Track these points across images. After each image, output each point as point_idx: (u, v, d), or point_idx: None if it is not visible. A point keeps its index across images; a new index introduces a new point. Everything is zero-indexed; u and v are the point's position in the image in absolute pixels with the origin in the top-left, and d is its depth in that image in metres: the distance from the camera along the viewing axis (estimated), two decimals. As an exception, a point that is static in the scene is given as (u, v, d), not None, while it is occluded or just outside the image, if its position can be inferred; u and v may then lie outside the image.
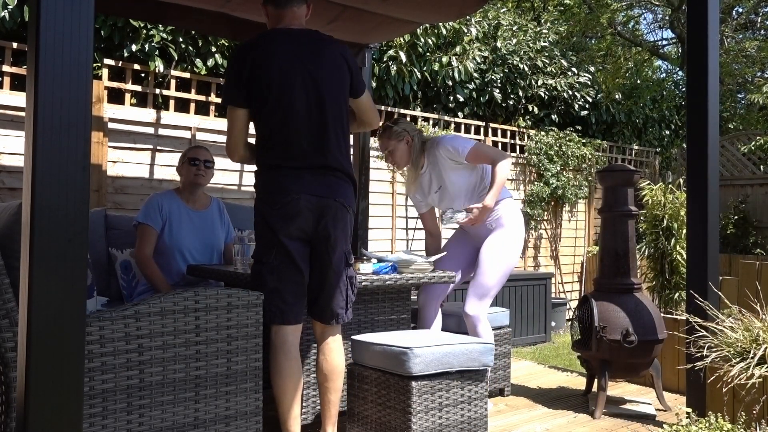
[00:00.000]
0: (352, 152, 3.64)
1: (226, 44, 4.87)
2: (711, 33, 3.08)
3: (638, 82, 9.70)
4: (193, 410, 2.23)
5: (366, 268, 2.97)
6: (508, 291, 5.61)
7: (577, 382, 4.21)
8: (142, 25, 4.43)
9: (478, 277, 3.39)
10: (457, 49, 6.30)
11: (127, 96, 4.44)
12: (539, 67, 7.20)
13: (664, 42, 17.05)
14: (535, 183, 6.90)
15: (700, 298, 2.94)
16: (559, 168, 6.99)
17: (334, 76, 2.60)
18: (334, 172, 2.58)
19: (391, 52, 5.70)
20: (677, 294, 4.68)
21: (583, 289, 7.38)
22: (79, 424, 1.60)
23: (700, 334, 2.62)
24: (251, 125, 2.64)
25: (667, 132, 9.11)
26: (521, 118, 7.05)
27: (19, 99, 3.87)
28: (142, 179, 4.35)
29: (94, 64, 4.22)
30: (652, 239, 4.82)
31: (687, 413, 2.51)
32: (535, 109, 7.15)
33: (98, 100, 4.18)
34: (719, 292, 3.00)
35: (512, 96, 6.97)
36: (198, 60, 4.76)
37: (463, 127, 6.45)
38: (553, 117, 7.42)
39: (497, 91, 6.76)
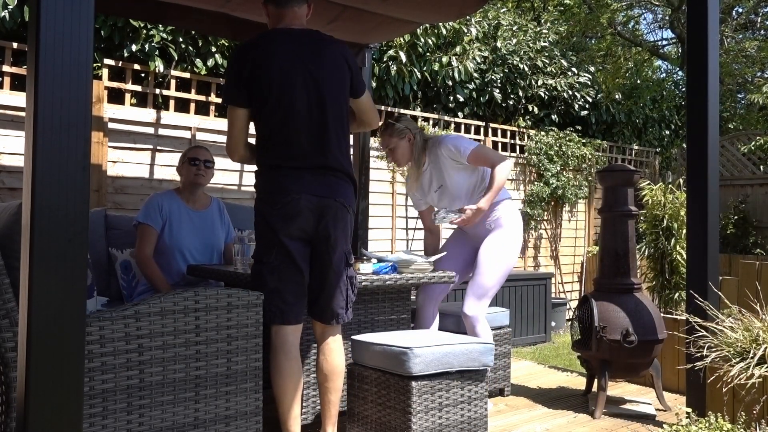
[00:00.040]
0: (352, 152, 3.64)
1: (226, 44, 4.87)
2: (711, 33, 3.08)
3: (638, 82, 9.70)
4: (193, 410, 2.23)
5: (366, 268, 2.97)
6: (508, 291, 5.61)
7: (577, 382, 4.21)
8: (142, 25, 4.43)
9: (476, 278, 3.39)
10: (457, 49, 6.30)
11: (127, 96, 4.44)
12: (539, 67, 7.20)
13: (664, 42, 17.07)
14: (535, 183, 6.90)
15: (700, 298, 2.94)
16: (559, 168, 6.99)
17: (334, 76, 2.60)
18: (334, 172, 2.58)
19: (391, 52, 5.70)
20: (677, 294, 4.68)
21: (583, 289, 7.38)
22: (79, 424, 1.60)
23: (700, 334, 2.62)
24: (251, 125, 2.64)
25: (667, 132, 9.11)
26: (521, 118, 7.05)
27: (19, 99, 3.87)
28: (142, 179, 4.35)
29: (94, 64, 4.22)
30: (652, 239, 4.82)
31: (687, 413, 2.51)
32: (535, 109, 7.15)
33: (98, 100, 4.18)
34: (719, 292, 3.00)
35: (512, 96, 6.97)
36: (198, 60, 4.76)
37: (463, 127, 6.45)
38: (553, 117, 7.42)
39: (497, 91, 6.76)
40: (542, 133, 7.05)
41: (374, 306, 3.21)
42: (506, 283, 5.34)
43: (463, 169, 3.43)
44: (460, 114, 6.49)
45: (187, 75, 4.64)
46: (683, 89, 9.69)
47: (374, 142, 5.29)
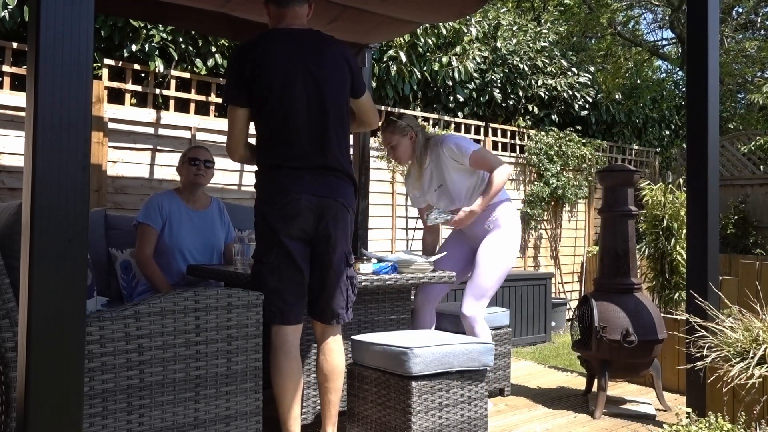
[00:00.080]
0: (352, 152, 3.64)
1: (226, 44, 4.87)
2: (711, 33, 3.08)
3: (638, 82, 9.70)
4: (193, 410, 2.23)
5: (366, 268, 2.97)
6: (508, 291, 5.61)
7: (577, 382, 4.21)
8: (142, 25, 4.43)
9: (475, 278, 3.38)
10: (457, 49, 6.30)
11: (127, 96, 4.44)
12: (539, 67, 7.20)
13: (664, 42, 17.07)
14: (535, 183, 6.90)
15: (700, 298, 2.94)
16: (559, 168, 6.99)
17: (335, 76, 2.60)
18: (334, 172, 2.58)
19: (391, 52, 5.70)
20: (677, 294, 4.68)
21: (583, 289, 7.38)
22: (79, 424, 1.60)
23: (700, 334, 2.62)
24: (251, 125, 2.64)
25: (667, 132, 9.11)
26: (521, 118, 7.05)
27: (19, 99, 3.87)
28: (142, 179, 4.35)
29: (94, 64, 4.22)
30: (652, 239, 4.82)
31: (687, 413, 2.51)
32: (535, 109, 7.15)
33: (98, 100, 4.18)
34: (719, 292, 3.00)
35: (512, 96, 6.97)
36: (198, 60, 4.76)
37: (463, 127, 6.45)
38: (553, 117, 7.42)
39: (497, 91, 6.76)
40: (542, 133, 7.05)
41: (374, 306, 3.21)
42: (506, 283, 5.34)
43: (463, 170, 3.43)
44: (460, 114, 6.49)
45: (187, 75, 4.64)
46: (683, 89, 9.69)
47: (374, 142, 5.29)
